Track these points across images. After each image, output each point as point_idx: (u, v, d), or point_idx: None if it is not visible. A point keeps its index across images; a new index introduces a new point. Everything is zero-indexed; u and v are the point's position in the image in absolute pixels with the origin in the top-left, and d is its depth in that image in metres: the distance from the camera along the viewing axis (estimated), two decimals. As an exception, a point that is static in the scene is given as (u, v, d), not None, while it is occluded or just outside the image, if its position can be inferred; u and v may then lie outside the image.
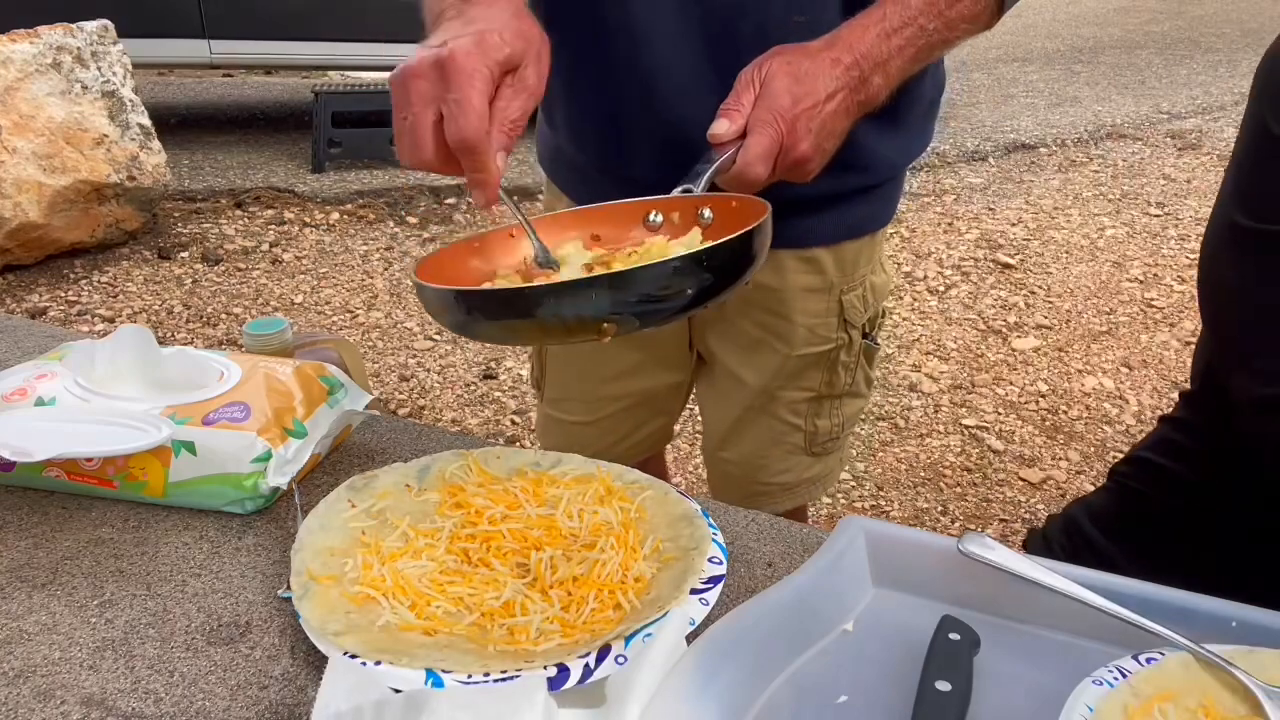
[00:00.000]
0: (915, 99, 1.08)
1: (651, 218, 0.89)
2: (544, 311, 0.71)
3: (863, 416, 1.30)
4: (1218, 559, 0.97)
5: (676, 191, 0.86)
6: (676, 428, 1.48)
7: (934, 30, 0.90)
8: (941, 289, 3.73)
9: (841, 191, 1.09)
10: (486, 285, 0.82)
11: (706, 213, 0.87)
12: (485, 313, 0.74)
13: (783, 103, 0.84)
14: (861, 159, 1.06)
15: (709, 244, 0.74)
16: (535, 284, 0.76)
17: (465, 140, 0.72)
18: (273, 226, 4.14)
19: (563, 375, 1.33)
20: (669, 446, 1.71)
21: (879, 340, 1.25)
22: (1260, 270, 0.86)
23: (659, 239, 0.87)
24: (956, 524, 2.41)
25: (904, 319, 3.47)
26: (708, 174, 0.85)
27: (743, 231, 0.74)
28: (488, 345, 3.23)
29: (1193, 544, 0.99)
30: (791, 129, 0.85)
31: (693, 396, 1.37)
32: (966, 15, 0.92)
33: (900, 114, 1.06)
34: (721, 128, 0.85)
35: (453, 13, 0.80)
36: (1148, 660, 0.62)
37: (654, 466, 1.50)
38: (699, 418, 2.74)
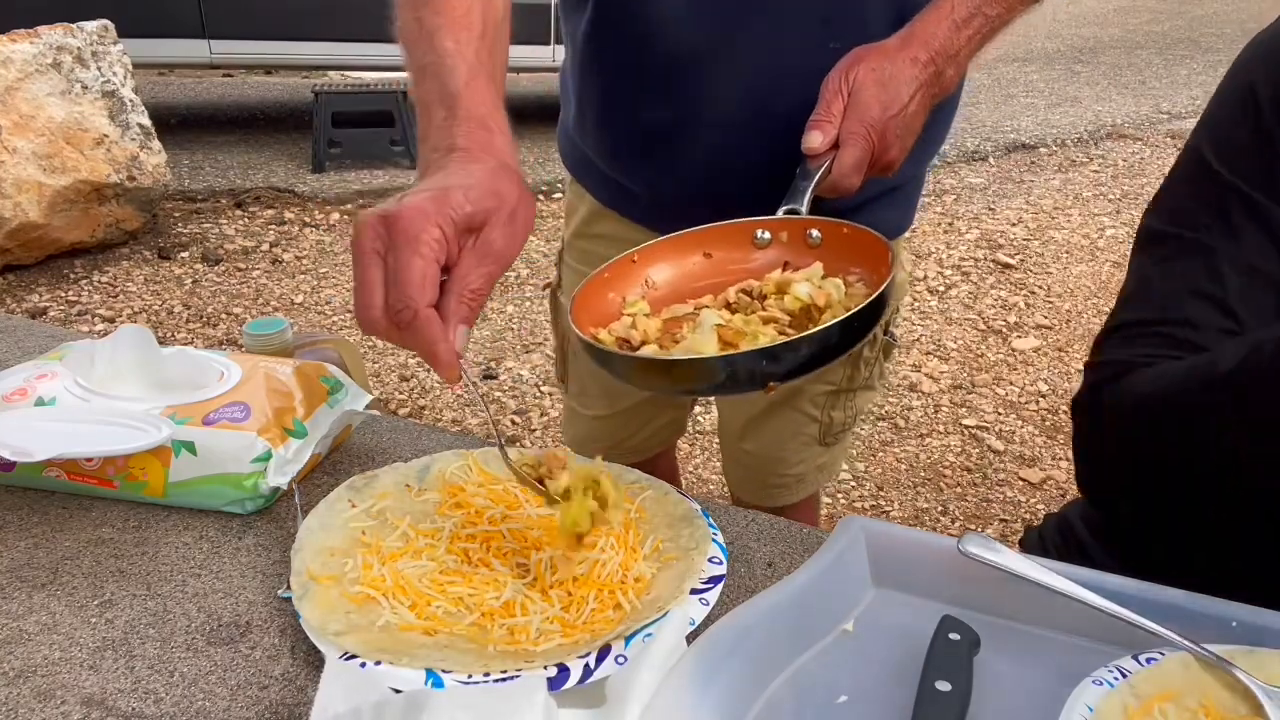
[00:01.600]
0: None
1: (759, 235, 0.92)
2: (721, 376, 0.75)
3: (863, 415, 1.32)
4: (1195, 560, 0.96)
5: (781, 212, 0.88)
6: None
7: (996, 16, 0.91)
8: (941, 289, 3.73)
9: (867, 197, 1.10)
10: (662, 352, 0.83)
11: (815, 233, 0.89)
12: (668, 377, 0.78)
13: (873, 113, 0.86)
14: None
15: (860, 305, 0.76)
16: (709, 355, 0.78)
17: (400, 314, 0.66)
18: (273, 226, 4.14)
19: (582, 370, 1.36)
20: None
21: (896, 335, 1.26)
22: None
23: (777, 273, 0.89)
24: (956, 524, 2.41)
25: (904, 319, 3.47)
26: (809, 190, 0.87)
27: (887, 284, 0.77)
28: (488, 345, 3.23)
29: (1174, 545, 0.98)
30: (882, 138, 0.87)
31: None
32: None
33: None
34: (816, 141, 0.87)
35: (435, 166, 0.73)
36: (1148, 660, 0.62)
37: (666, 460, 1.54)
38: (700, 419, 2.75)
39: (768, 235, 0.91)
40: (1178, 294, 0.81)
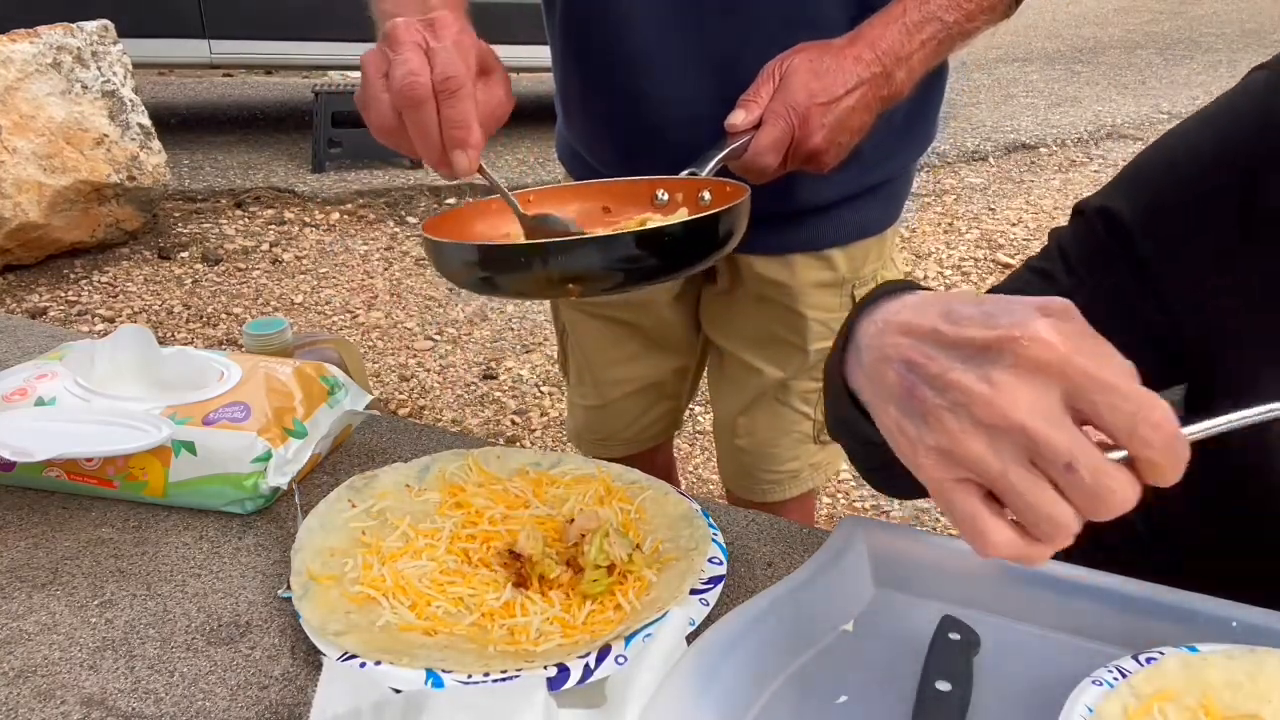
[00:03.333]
0: (920, 96, 1.09)
1: (659, 195, 0.93)
2: (531, 265, 0.76)
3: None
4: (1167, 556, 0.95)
5: (684, 173, 0.90)
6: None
7: (954, 23, 0.91)
8: (941, 289, 3.73)
9: (851, 193, 1.11)
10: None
11: (706, 195, 0.90)
12: (483, 266, 0.78)
13: (798, 97, 0.86)
14: (868, 158, 1.07)
15: (682, 219, 0.80)
16: (527, 242, 0.82)
17: (452, 79, 0.70)
18: (273, 226, 4.14)
19: (578, 360, 1.38)
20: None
21: None
22: None
23: (653, 216, 0.91)
24: (956, 524, 2.41)
25: (904, 319, 3.47)
26: (715, 159, 0.88)
27: (709, 213, 0.79)
28: (488, 345, 3.23)
29: (1143, 544, 0.97)
30: (804, 122, 0.87)
31: (703, 389, 1.40)
32: (985, 7, 0.93)
33: (905, 111, 1.07)
34: (738, 117, 0.88)
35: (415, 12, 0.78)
36: (1147, 660, 0.62)
37: (664, 456, 1.54)
38: (700, 419, 2.75)
39: (666, 196, 0.93)
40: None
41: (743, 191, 0.84)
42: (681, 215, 0.88)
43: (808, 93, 0.86)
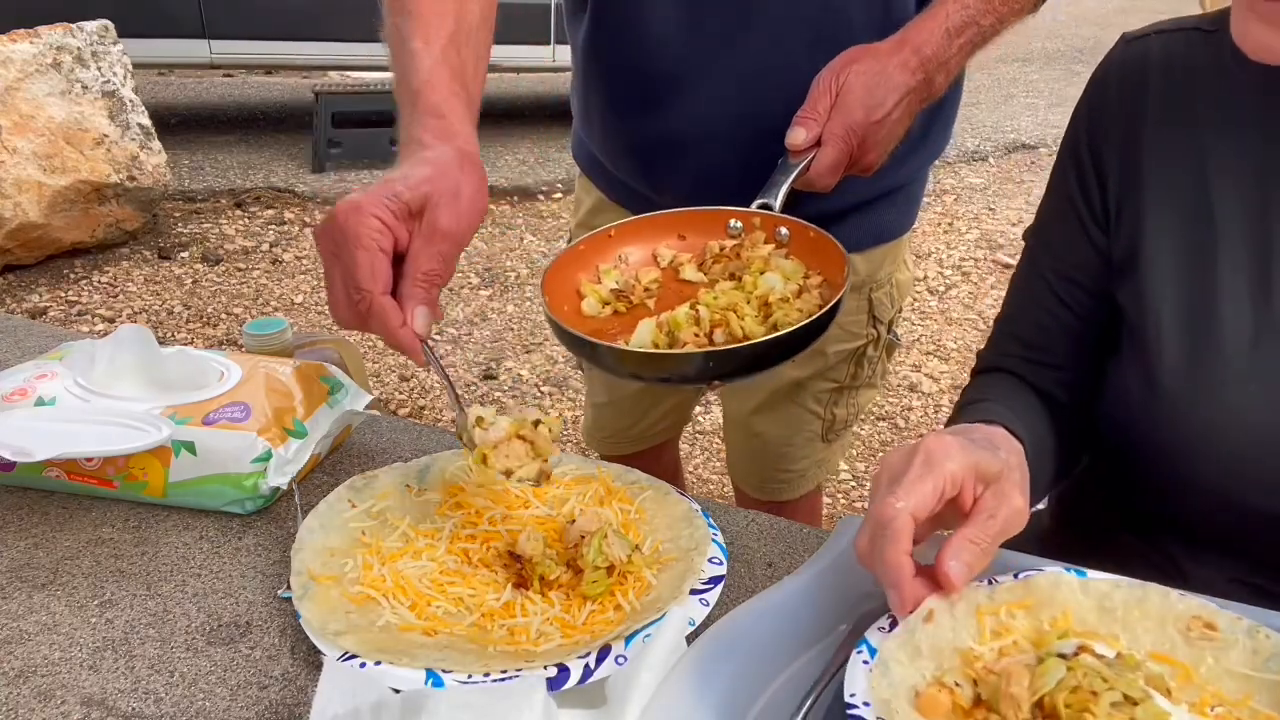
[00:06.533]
0: (939, 103, 1.10)
1: (732, 225, 0.95)
2: (673, 372, 0.83)
3: (863, 415, 1.33)
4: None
5: (755, 205, 0.91)
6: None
7: (989, 26, 0.93)
8: (941, 289, 3.73)
9: (867, 198, 1.11)
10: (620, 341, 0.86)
11: (783, 231, 0.92)
12: (611, 363, 0.82)
13: (857, 117, 0.88)
14: (885, 163, 1.07)
15: (803, 322, 0.80)
16: (666, 351, 0.83)
17: (358, 304, 0.72)
18: (273, 226, 4.14)
19: None
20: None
21: (899, 335, 1.28)
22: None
23: (768, 248, 0.92)
24: (956, 524, 2.41)
25: (904, 319, 3.47)
26: (785, 186, 0.90)
27: (834, 302, 0.81)
28: (488, 345, 3.23)
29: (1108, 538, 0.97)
30: (863, 142, 0.89)
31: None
32: (1015, 9, 0.95)
33: (923, 119, 1.08)
34: (799, 137, 0.89)
35: (399, 161, 0.78)
36: (1021, 575, 0.65)
37: (670, 454, 1.55)
38: (700, 419, 2.75)
39: (740, 225, 0.94)
40: (1020, 301, 0.92)
41: (835, 252, 0.87)
42: (798, 271, 0.90)
43: (865, 110, 0.88)
